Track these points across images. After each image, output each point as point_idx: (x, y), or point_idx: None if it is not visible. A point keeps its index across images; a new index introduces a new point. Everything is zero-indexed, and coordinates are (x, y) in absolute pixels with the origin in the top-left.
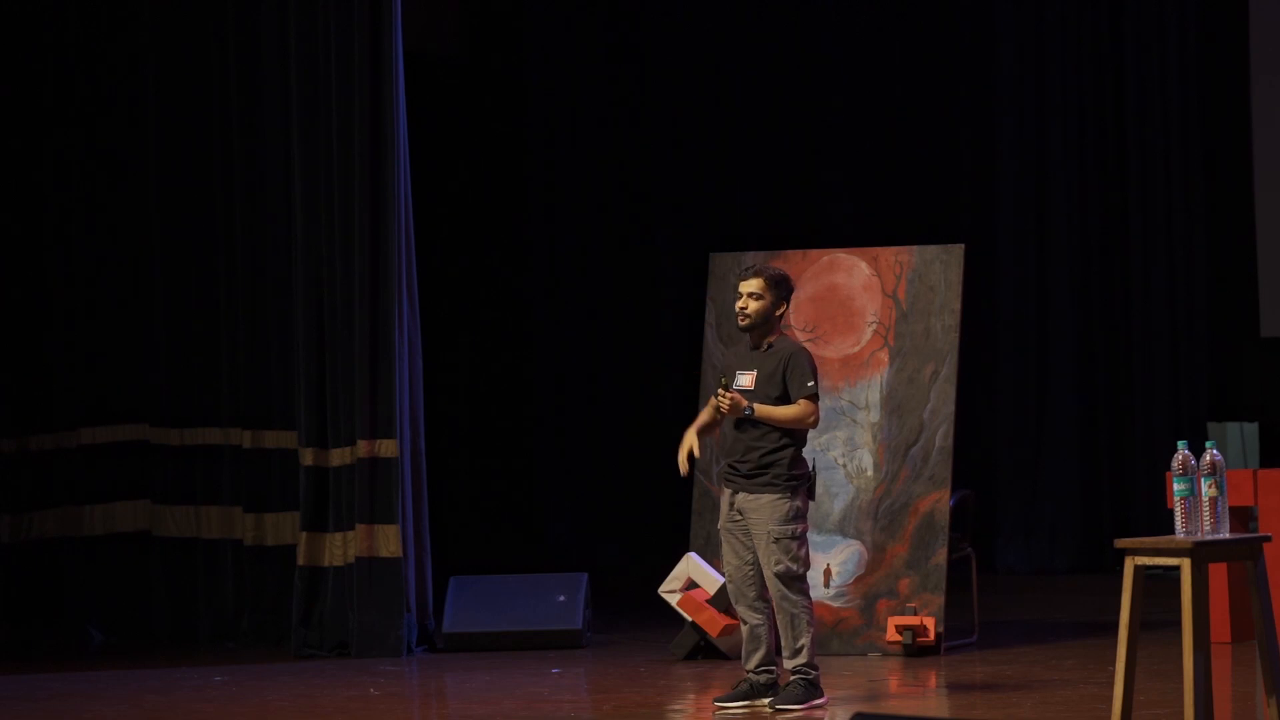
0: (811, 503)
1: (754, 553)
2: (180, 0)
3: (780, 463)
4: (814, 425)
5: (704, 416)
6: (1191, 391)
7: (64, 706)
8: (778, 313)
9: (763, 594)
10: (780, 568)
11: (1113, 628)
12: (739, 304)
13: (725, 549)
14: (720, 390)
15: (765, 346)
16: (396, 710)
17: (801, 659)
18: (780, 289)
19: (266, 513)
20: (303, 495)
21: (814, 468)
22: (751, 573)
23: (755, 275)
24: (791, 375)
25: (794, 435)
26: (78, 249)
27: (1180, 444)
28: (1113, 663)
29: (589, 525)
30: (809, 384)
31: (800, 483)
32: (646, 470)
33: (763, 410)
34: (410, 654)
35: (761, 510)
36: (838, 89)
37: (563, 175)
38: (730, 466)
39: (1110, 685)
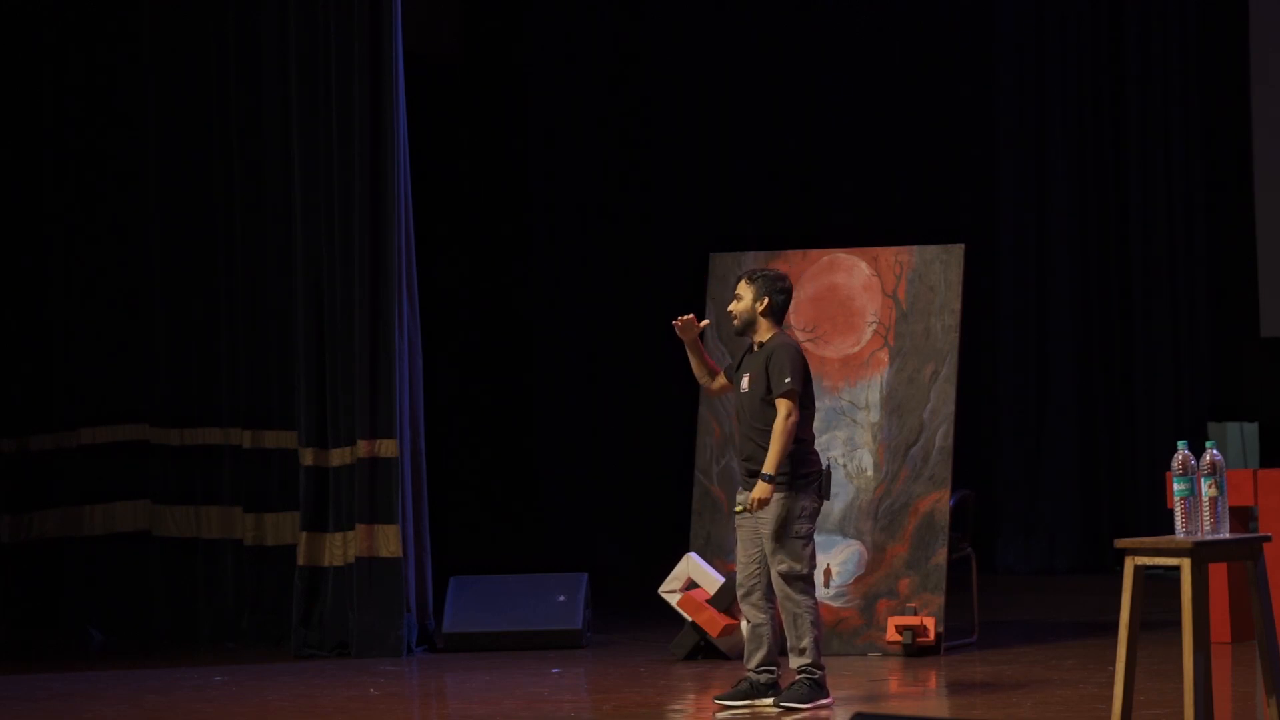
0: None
1: (761, 550)
2: (181, 1)
3: (784, 461)
4: (795, 422)
5: (699, 357)
6: (1191, 391)
7: (64, 706)
8: (759, 308)
9: (767, 594)
10: (784, 567)
11: (1113, 628)
12: (729, 309)
13: (738, 545)
14: (737, 513)
15: (756, 346)
16: (396, 710)
17: (806, 659)
18: (759, 284)
19: (266, 513)
20: (303, 495)
21: (828, 466)
22: (758, 571)
23: (741, 278)
24: (771, 371)
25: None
26: (78, 250)
27: (1180, 444)
28: (1113, 663)
29: (589, 525)
30: (785, 380)
31: (808, 481)
32: (646, 470)
33: (771, 464)
34: (410, 654)
35: (768, 509)
36: (838, 89)
37: (562, 175)
38: (739, 465)
39: (1110, 685)
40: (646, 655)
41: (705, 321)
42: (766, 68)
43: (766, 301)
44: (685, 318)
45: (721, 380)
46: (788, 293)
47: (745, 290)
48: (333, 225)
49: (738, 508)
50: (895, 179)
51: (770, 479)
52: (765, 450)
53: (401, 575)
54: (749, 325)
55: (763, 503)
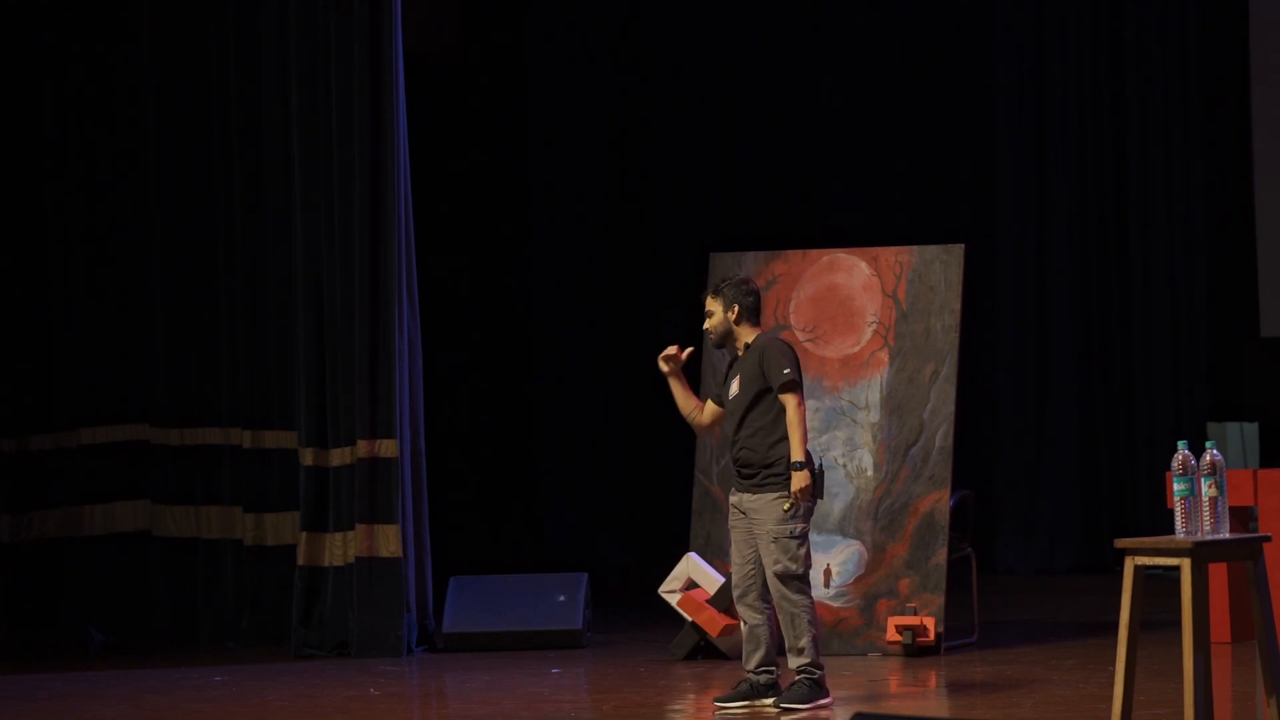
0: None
1: (756, 552)
2: (181, 1)
3: (780, 461)
4: (804, 411)
5: (683, 393)
6: (1191, 391)
7: (64, 706)
8: (731, 317)
9: (763, 594)
10: (779, 567)
11: (1113, 628)
12: (704, 328)
13: (732, 547)
14: (786, 510)
15: (743, 350)
16: (396, 710)
17: (804, 659)
18: (726, 295)
19: (266, 513)
20: (303, 495)
21: (820, 467)
22: (753, 572)
23: (708, 294)
24: (767, 367)
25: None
26: (78, 249)
27: (1180, 444)
28: (1113, 663)
29: (589, 525)
30: (784, 371)
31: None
32: (647, 470)
33: (798, 452)
34: (410, 654)
35: (762, 509)
36: (838, 89)
37: (562, 175)
38: (733, 468)
39: (1110, 685)
40: (646, 655)
41: (689, 349)
42: (767, 68)
43: (737, 309)
44: (671, 351)
45: (710, 410)
46: (755, 294)
47: (714, 305)
48: (333, 225)
49: (786, 505)
50: (895, 179)
51: (801, 466)
52: (759, 451)
53: (401, 575)
54: (726, 336)
55: (805, 491)
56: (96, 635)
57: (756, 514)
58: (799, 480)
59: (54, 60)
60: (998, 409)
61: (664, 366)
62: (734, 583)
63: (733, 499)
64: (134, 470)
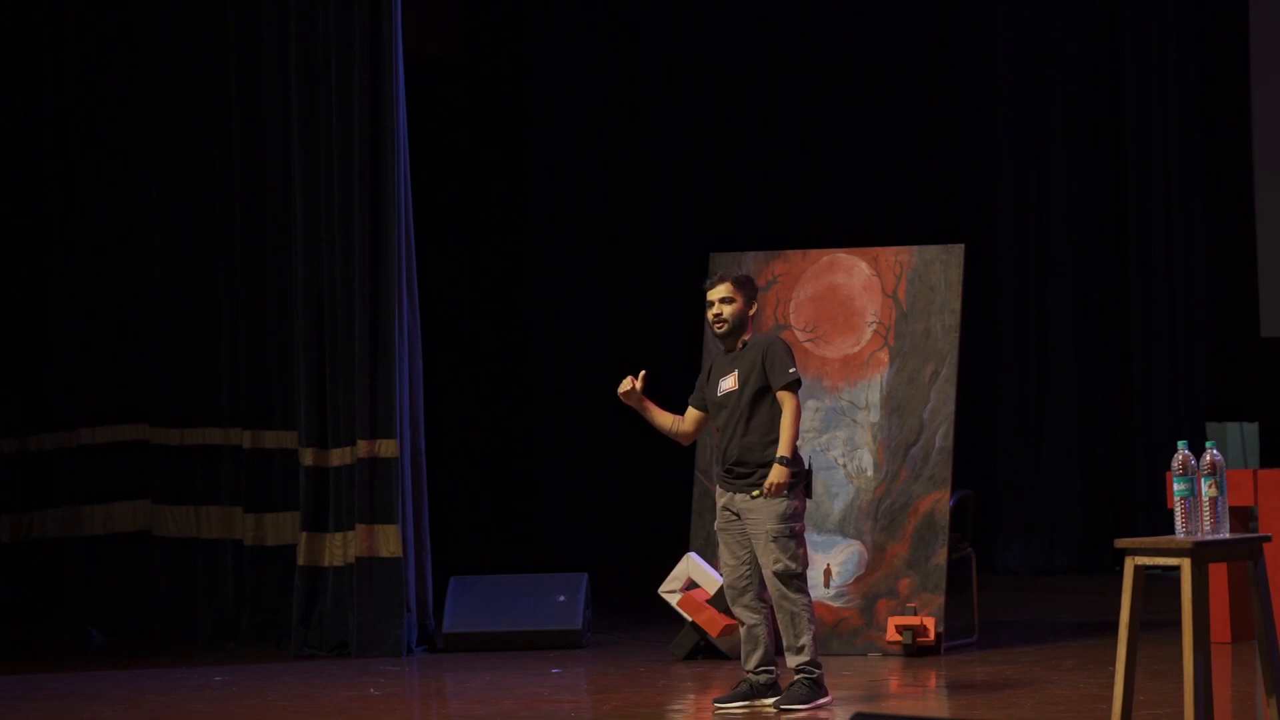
0: (810, 501)
1: (750, 553)
2: (180, 2)
3: (774, 461)
4: (800, 412)
5: (655, 416)
6: (1191, 391)
7: (64, 706)
8: (751, 313)
9: (759, 594)
10: (779, 566)
11: (1113, 628)
12: (712, 312)
13: (721, 550)
14: (754, 496)
15: (740, 346)
16: (396, 710)
17: (804, 658)
18: (748, 289)
19: (266, 513)
20: (303, 495)
21: (810, 465)
22: (747, 573)
23: (721, 281)
24: (770, 365)
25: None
26: (78, 249)
27: (1180, 444)
28: (1113, 663)
29: (589, 525)
30: (790, 370)
31: (795, 481)
32: (646, 470)
33: (785, 448)
34: (410, 654)
35: (758, 510)
36: (838, 89)
37: (562, 175)
38: (724, 469)
39: (1110, 685)
40: (646, 655)
41: (644, 373)
42: (767, 67)
43: (755, 306)
44: (625, 387)
45: (693, 415)
46: (757, 293)
47: (735, 294)
48: (333, 225)
49: (754, 493)
50: (895, 179)
51: (786, 462)
52: (754, 450)
53: (401, 575)
54: (739, 328)
55: (779, 486)
56: (96, 635)
57: (752, 514)
58: (778, 474)
59: (54, 61)
60: (998, 409)
61: (626, 400)
62: (728, 584)
63: (722, 500)
64: (134, 470)
